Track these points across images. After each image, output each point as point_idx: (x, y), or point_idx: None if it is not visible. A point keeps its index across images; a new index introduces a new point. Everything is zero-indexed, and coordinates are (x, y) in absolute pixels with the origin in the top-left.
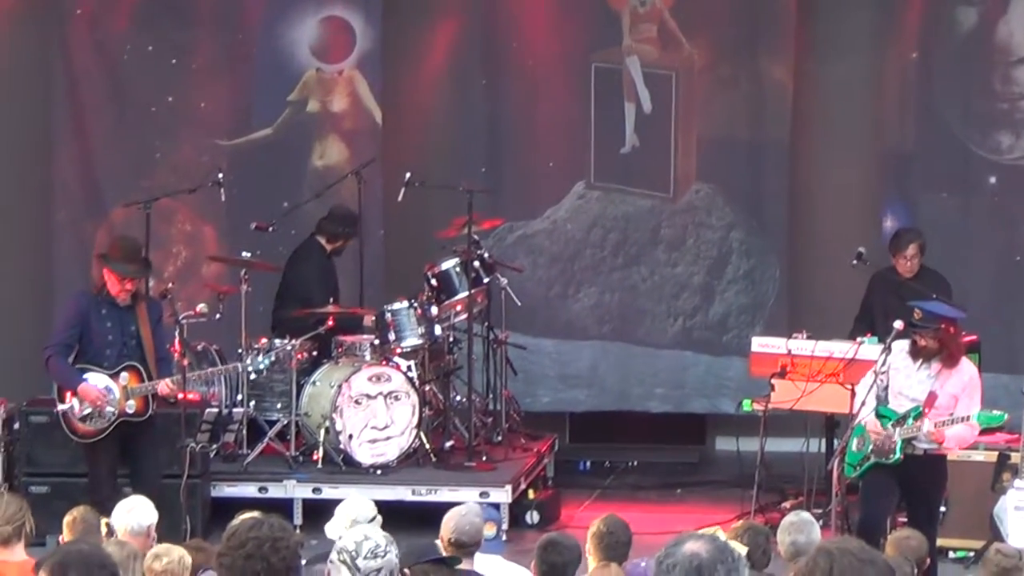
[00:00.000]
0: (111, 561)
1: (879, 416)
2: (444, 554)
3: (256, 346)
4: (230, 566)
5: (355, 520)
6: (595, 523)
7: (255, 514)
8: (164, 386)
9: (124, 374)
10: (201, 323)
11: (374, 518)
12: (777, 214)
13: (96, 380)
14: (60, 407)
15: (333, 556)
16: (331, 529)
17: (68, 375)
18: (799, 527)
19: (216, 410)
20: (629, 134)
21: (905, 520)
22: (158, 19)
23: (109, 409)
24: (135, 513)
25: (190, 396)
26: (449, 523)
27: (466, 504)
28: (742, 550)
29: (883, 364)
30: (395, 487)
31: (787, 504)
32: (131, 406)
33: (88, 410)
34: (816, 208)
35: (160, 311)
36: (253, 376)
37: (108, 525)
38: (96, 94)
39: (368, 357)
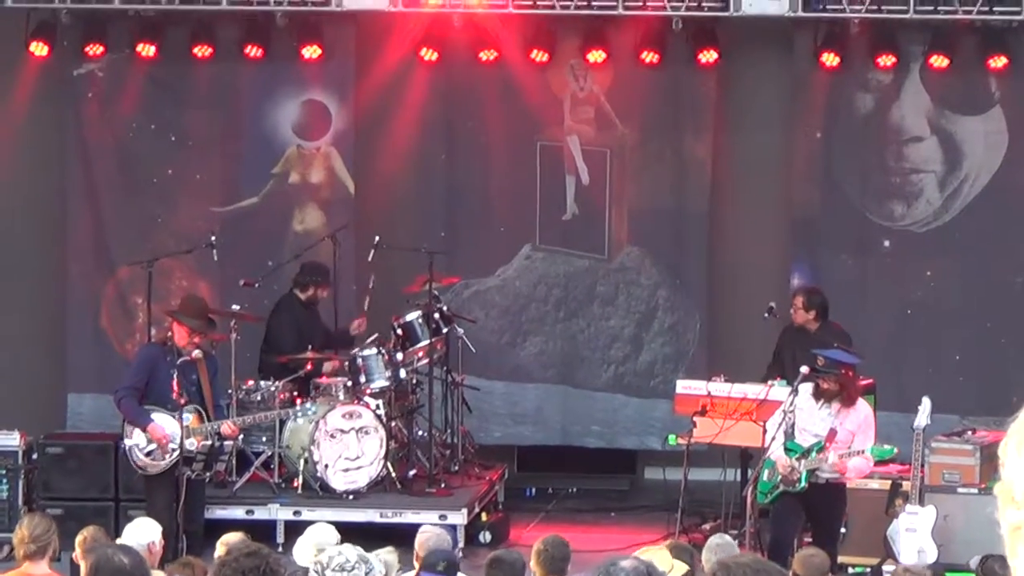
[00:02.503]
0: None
1: (786, 450)
2: None
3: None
4: (232, 563)
5: (318, 545)
6: (537, 543)
7: (238, 534)
8: (227, 427)
9: (187, 415)
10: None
11: (338, 540)
12: (698, 274)
13: (162, 420)
14: (126, 442)
15: (310, 566)
16: (297, 552)
17: (138, 415)
18: (722, 548)
19: (209, 443)
20: (570, 203)
21: (810, 540)
22: (160, 102)
23: (172, 446)
24: (140, 532)
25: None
26: (423, 540)
27: (432, 527)
28: (683, 568)
29: (790, 404)
30: (365, 510)
31: (707, 526)
32: (191, 443)
33: (152, 446)
34: (732, 269)
35: (217, 366)
36: (300, 421)
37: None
38: (105, 166)
39: (342, 397)
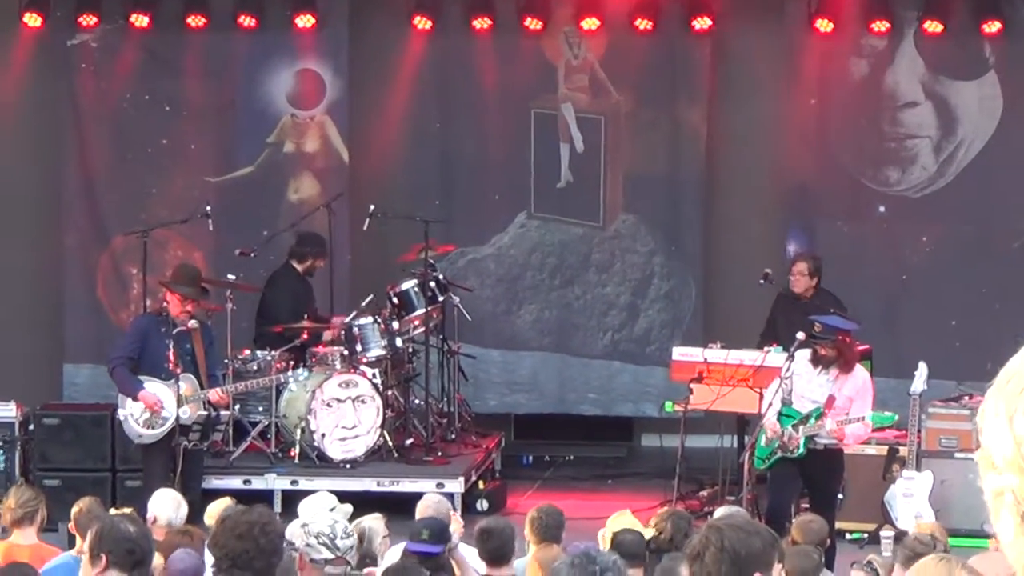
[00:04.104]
0: (144, 547)
1: (785, 416)
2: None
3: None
4: (223, 546)
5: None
6: (531, 511)
7: (225, 500)
8: (214, 394)
9: (181, 384)
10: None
11: (334, 508)
12: (693, 241)
13: (154, 388)
14: (120, 412)
15: (311, 541)
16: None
17: (130, 383)
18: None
19: (206, 413)
20: (564, 171)
21: (808, 506)
22: (153, 72)
23: (165, 414)
24: (182, 508)
25: (212, 397)
26: (423, 509)
27: (433, 495)
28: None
29: (787, 370)
30: (362, 479)
31: (704, 493)
32: (185, 411)
33: (146, 415)
34: (727, 235)
35: (212, 336)
36: (295, 390)
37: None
38: (100, 137)
39: (338, 366)
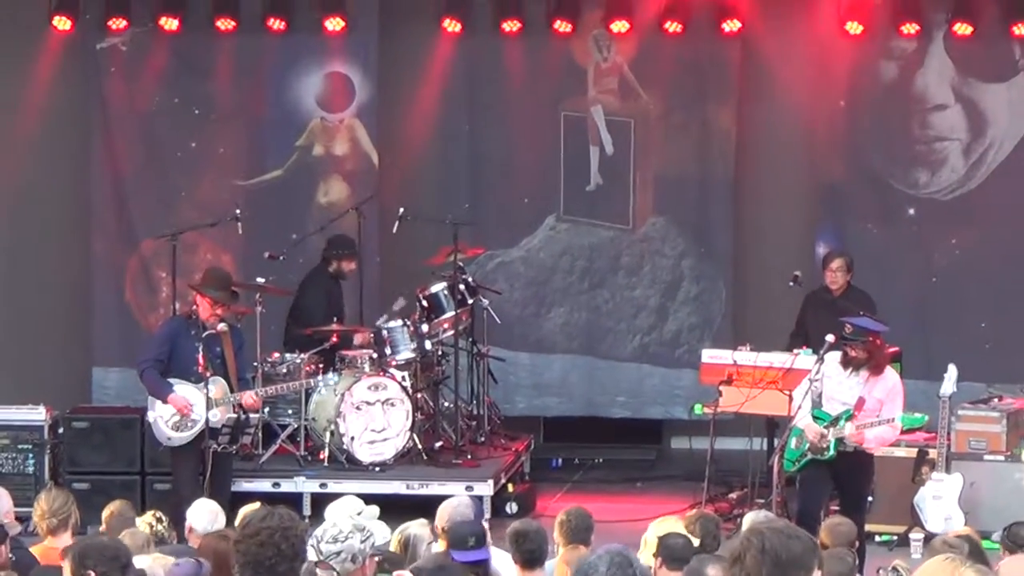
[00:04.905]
0: (126, 552)
1: (815, 418)
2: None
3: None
4: (245, 552)
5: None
6: (560, 514)
7: (256, 505)
8: (248, 397)
9: (211, 387)
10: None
11: (360, 512)
12: (723, 243)
13: (184, 391)
14: (150, 415)
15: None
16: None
17: (160, 386)
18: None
19: (235, 416)
20: (594, 173)
21: (837, 508)
22: (183, 75)
23: (194, 417)
24: (219, 519)
25: (246, 401)
26: (444, 513)
27: (458, 496)
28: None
29: (817, 372)
30: (391, 482)
31: (733, 495)
32: (215, 415)
33: (176, 418)
34: (757, 237)
35: (243, 339)
36: (324, 393)
37: (158, 519)
38: (128, 140)
39: (367, 369)
